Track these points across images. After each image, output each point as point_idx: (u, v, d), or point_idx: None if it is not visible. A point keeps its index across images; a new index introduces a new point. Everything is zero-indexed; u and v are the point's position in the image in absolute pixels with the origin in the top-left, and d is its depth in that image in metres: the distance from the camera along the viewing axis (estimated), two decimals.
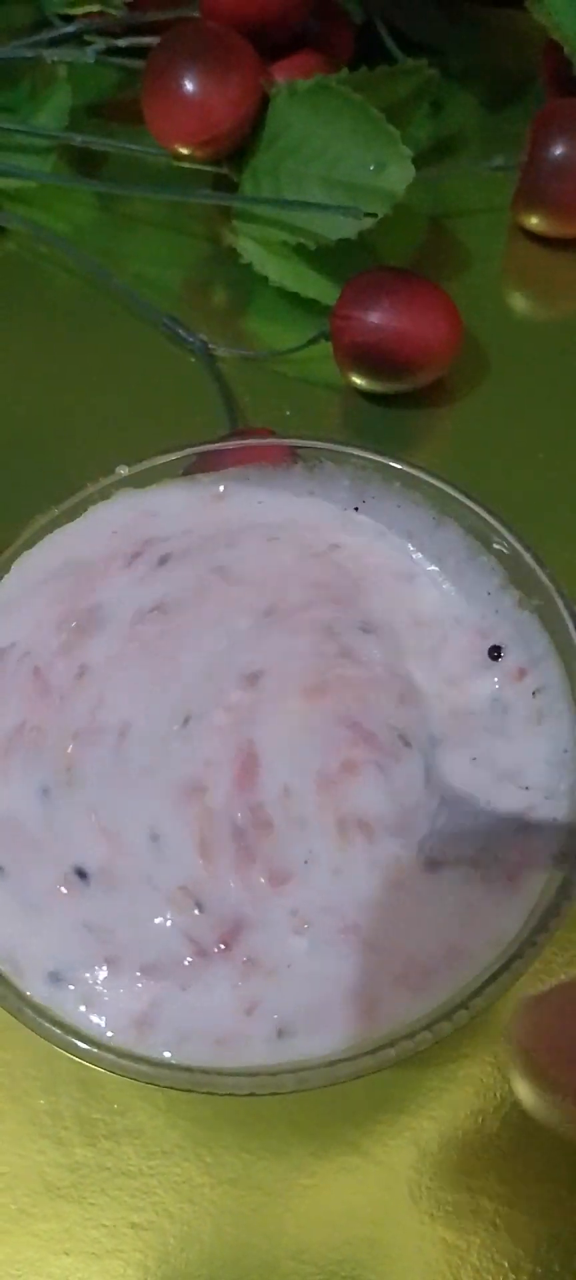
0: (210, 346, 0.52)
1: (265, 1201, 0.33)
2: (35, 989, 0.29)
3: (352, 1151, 0.34)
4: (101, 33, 0.58)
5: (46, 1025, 0.28)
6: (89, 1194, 0.33)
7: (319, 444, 0.37)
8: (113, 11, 0.57)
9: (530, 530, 0.36)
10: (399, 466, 0.36)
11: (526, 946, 0.28)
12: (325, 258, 0.52)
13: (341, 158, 0.49)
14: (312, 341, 0.50)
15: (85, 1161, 0.34)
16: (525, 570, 0.34)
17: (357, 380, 0.50)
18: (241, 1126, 0.34)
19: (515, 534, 0.35)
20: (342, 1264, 0.32)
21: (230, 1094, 0.27)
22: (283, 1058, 0.28)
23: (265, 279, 0.53)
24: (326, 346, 0.50)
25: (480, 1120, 0.34)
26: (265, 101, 0.52)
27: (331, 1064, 0.27)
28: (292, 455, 0.37)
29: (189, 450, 0.37)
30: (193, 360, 0.53)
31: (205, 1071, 0.27)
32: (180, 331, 0.53)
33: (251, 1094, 0.27)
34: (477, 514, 0.35)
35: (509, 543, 0.35)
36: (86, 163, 0.60)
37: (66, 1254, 0.32)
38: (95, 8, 0.58)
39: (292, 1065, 0.27)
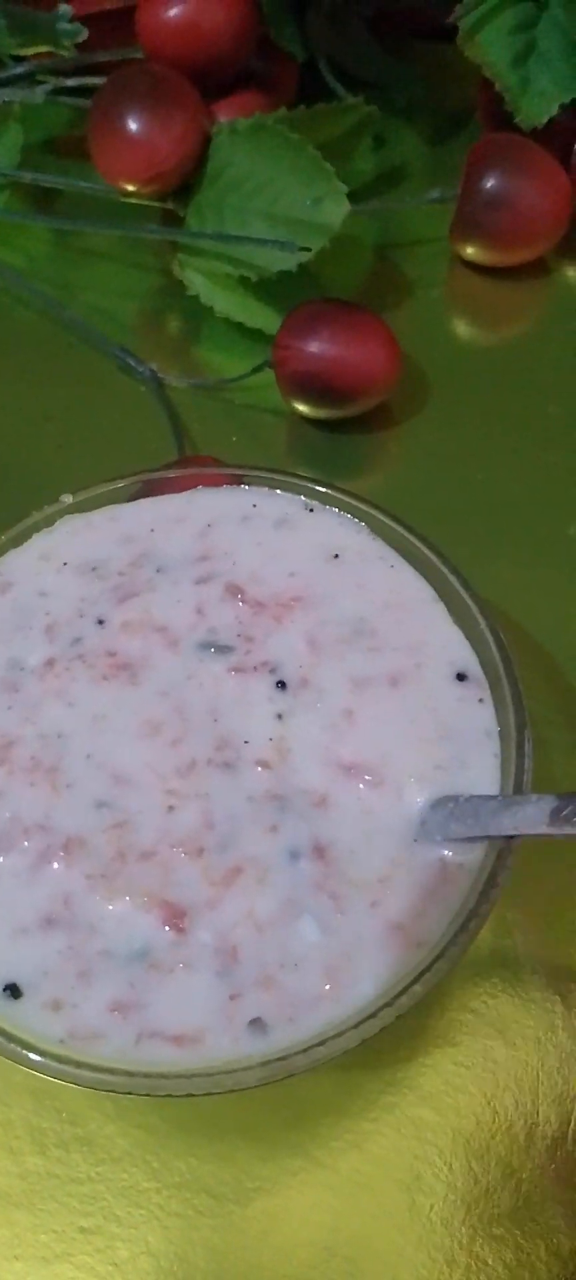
0: (160, 376, 0.54)
1: (211, 1205, 0.34)
2: None
3: (297, 1154, 0.34)
4: (52, 72, 0.59)
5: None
6: (39, 1201, 0.34)
7: (259, 473, 0.39)
8: (62, 53, 0.59)
9: (469, 547, 0.38)
10: (342, 495, 0.38)
11: (449, 946, 0.30)
12: (270, 288, 0.53)
13: (281, 193, 0.51)
14: (257, 370, 0.51)
15: (35, 1170, 0.34)
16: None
17: (301, 407, 0.51)
18: (189, 1132, 0.35)
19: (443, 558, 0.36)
20: (288, 1263, 0.33)
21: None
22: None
23: (212, 310, 0.55)
24: (271, 374, 0.51)
25: (419, 1123, 0.35)
26: (208, 140, 0.53)
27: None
28: (236, 480, 0.39)
29: (133, 478, 0.39)
30: (143, 389, 0.54)
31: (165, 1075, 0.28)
32: (131, 361, 0.54)
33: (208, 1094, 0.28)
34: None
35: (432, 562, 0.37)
36: (40, 198, 0.62)
37: (17, 1259, 0.33)
38: (45, 48, 0.59)
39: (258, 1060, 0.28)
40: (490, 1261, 0.33)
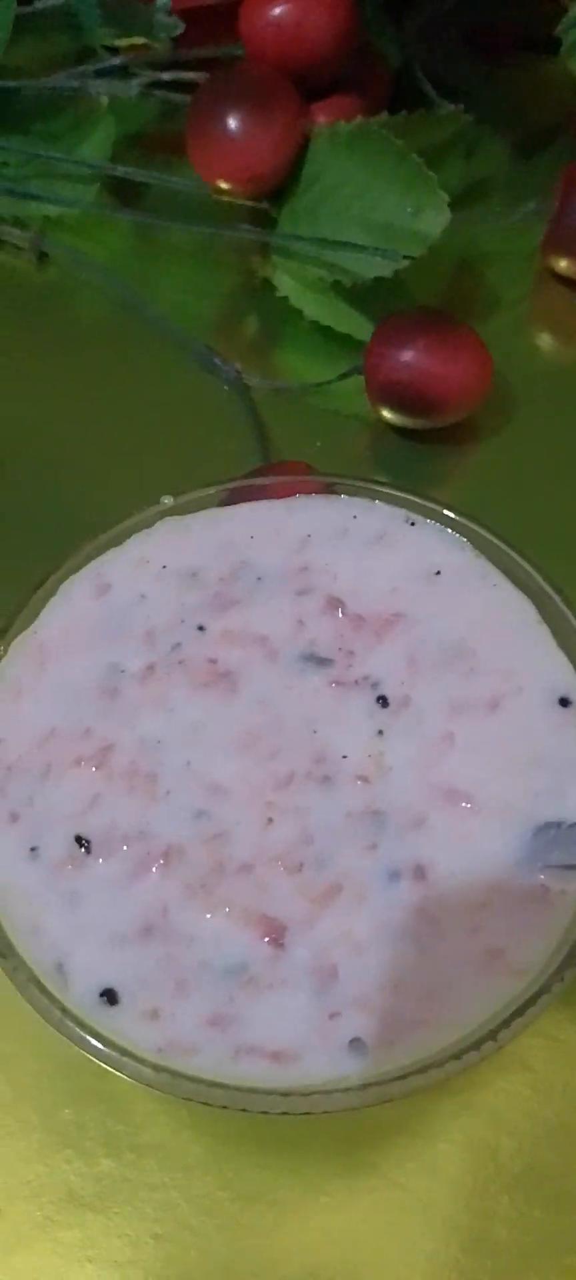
0: (244, 377, 0.53)
1: (283, 1219, 0.34)
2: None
3: (371, 1173, 0.34)
4: (146, 66, 0.59)
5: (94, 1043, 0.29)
6: (112, 1204, 0.34)
7: (359, 482, 0.38)
8: (158, 45, 0.58)
9: (558, 569, 0.37)
10: (444, 510, 0.38)
11: (553, 979, 0.29)
12: (359, 295, 0.53)
13: (380, 200, 0.51)
14: (345, 376, 0.51)
15: (109, 1173, 0.34)
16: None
17: (388, 415, 0.51)
18: (262, 1144, 0.35)
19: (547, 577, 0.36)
20: (359, 1275, 0.32)
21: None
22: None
23: (300, 313, 0.55)
24: (357, 381, 0.51)
25: (494, 1148, 0.34)
26: (306, 142, 0.53)
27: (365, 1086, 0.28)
28: (333, 489, 0.39)
29: (230, 483, 0.39)
30: (226, 390, 0.54)
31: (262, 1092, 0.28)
32: (215, 361, 0.54)
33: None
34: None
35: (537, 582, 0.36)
36: (126, 192, 0.62)
37: (89, 1261, 0.33)
38: (140, 41, 0.59)
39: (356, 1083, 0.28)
40: None
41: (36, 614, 0.36)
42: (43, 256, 0.60)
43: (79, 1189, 0.34)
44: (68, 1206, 0.34)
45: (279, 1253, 0.33)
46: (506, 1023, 0.29)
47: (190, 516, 0.39)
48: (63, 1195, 0.34)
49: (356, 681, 0.35)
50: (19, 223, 0.59)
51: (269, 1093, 0.28)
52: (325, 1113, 0.28)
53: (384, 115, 0.53)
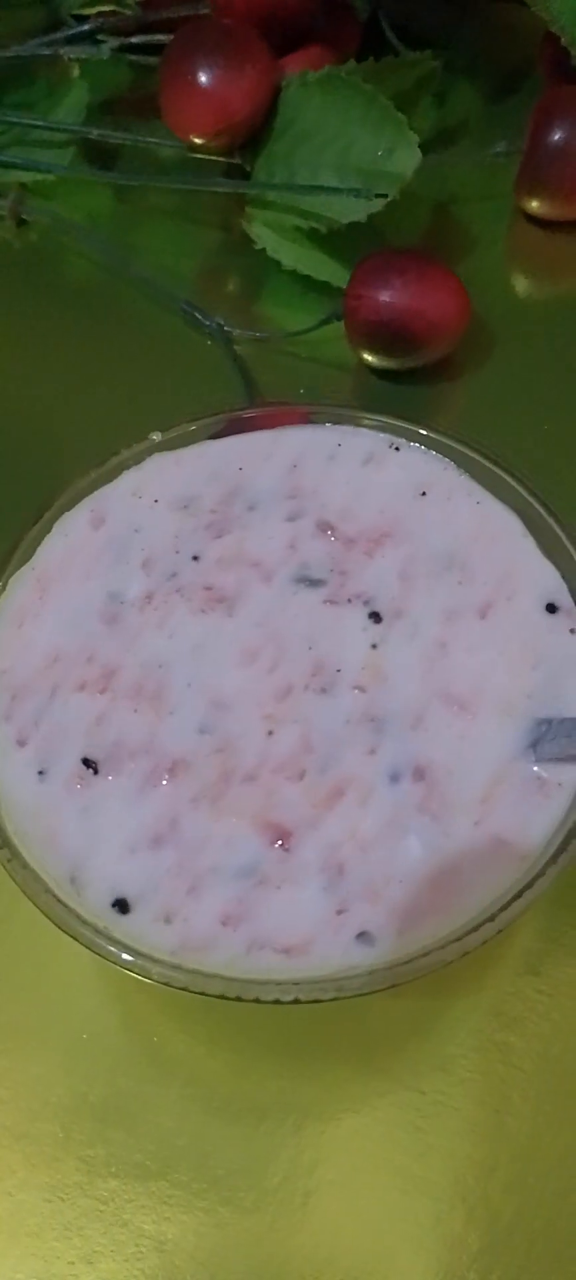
0: (226, 329, 0.54)
1: (302, 1124, 0.34)
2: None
3: (384, 1076, 0.35)
4: (115, 31, 0.60)
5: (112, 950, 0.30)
6: (133, 1120, 0.35)
7: (337, 409, 0.39)
8: (126, 10, 0.59)
9: (539, 486, 0.38)
10: (426, 432, 0.39)
11: (548, 864, 0.30)
12: (336, 241, 0.54)
13: (352, 144, 0.51)
14: (325, 322, 0.52)
15: (129, 1090, 0.35)
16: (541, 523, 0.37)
17: (369, 357, 0.52)
18: (278, 1055, 0.36)
19: (532, 491, 0.37)
20: (377, 1180, 0.33)
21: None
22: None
23: (278, 263, 0.56)
24: (338, 327, 0.52)
25: (504, 1048, 0.35)
26: (277, 93, 0.54)
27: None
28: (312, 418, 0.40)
29: (218, 417, 0.39)
30: (210, 343, 0.55)
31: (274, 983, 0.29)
32: (198, 315, 0.55)
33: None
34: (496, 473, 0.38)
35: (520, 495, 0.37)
36: (102, 155, 0.62)
37: (113, 1176, 0.34)
38: (108, 7, 0.60)
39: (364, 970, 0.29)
40: None
41: (33, 550, 0.37)
42: (22, 222, 0.60)
43: (100, 1107, 0.35)
44: (90, 1124, 0.35)
45: (300, 1157, 0.34)
46: (504, 906, 0.30)
47: (179, 450, 0.40)
48: (84, 1113, 0.35)
49: (349, 599, 0.36)
50: None
51: (280, 982, 0.29)
52: (334, 999, 0.29)
53: (352, 63, 0.53)
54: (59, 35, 0.59)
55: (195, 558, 0.37)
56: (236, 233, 0.58)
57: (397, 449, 0.39)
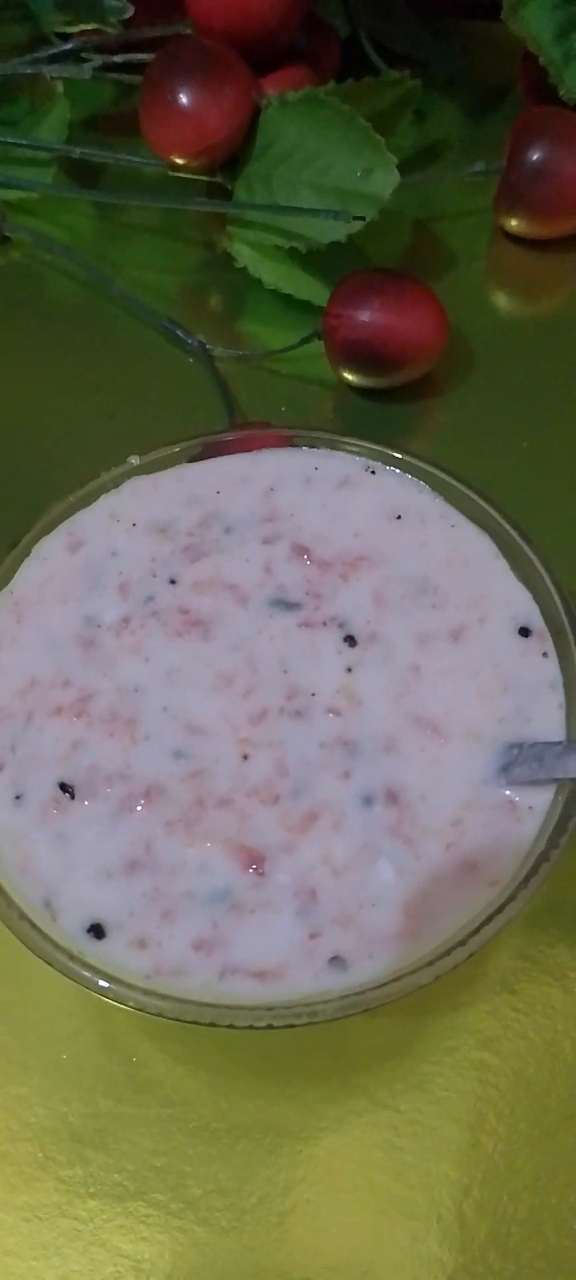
0: (208, 347, 0.54)
1: (280, 1143, 0.35)
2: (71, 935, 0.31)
3: (361, 1095, 0.35)
4: (98, 49, 0.60)
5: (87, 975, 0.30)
6: (112, 1141, 0.35)
7: (319, 434, 0.40)
8: (108, 29, 0.59)
9: (514, 509, 0.39)
10: (402, 456, 0.39)
11: (519, 888, 0.31)
12: (316, 261, 0.54)
13: (331, 165, 0.52)
14: (306, 341, 0.52)
15: (107, 1111, 0.35)
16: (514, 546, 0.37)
17: (349, 376, 0.52)
18: (257, 1075, 0.36)
19: (504, 514, 0.37)
20: (355, 1199, 0.34)
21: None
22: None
23: (259, 282, 0.56)
24: (318, 345, 0.52)
25: (479, 1066, 0.36)
26: (257, 113, 0.54)
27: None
28: (289, 442, 0.40)
29: (195, 440, 0.40)
30: (191, 361, 0.55)
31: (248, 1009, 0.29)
32: (179, 333, 0.55)
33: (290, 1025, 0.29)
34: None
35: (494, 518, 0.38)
36: (85, 174, 0.62)
37: (91, 1196, 0.34)
38: (91, 26, 0.60)
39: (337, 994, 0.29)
40: (554, 1201, 0.34)
41: (11, 575, 0.37)
42: (5, 240, 0.61)
43: (79, 1128, 0.35)
44: (68, 1145, 0.35)
45: (277, 1177, 0.34)
46: (476, 930, 0.30)
47: (157, 474, 0.40)
48: (63, 1135, 0.35)
49: (324, 622, 0.36)
50: None
51: (254, 1008, 0.29)
52: (308, 1024, 0.29)
53: (332, 84, 0.54)
54: (42, 54, 0.60)
55: (172, 581, 0.37)
56: (218, 251, 0.59)
57: (373, 472, 0.40)
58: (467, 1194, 0.34)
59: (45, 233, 0.60)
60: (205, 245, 0.61)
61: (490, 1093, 0.35)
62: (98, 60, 0.60)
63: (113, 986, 0.29)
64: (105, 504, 0.39)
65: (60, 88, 0.60)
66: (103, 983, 0.29)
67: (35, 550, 0.38)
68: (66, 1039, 0.37)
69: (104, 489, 0.39)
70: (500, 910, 0.30)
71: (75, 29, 0.60)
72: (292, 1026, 0.29)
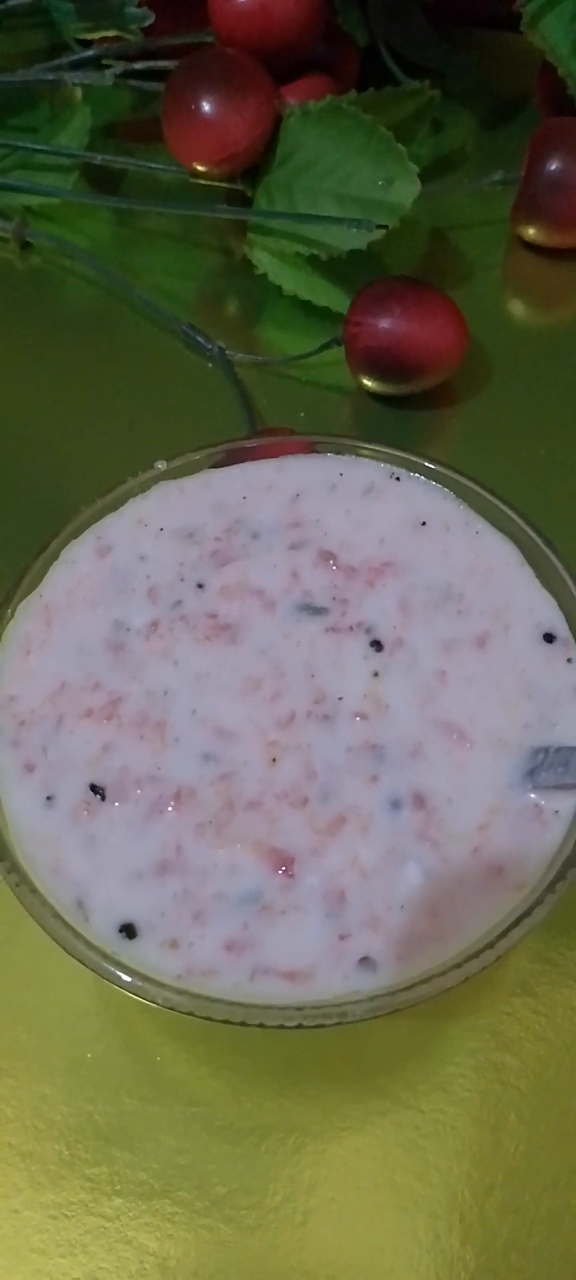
0: (228, 353, 0.55)
1: (303, 1144, 0.35)
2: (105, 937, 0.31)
3: (383, 1096, 0.36)
4: (118, 57, 0.61)
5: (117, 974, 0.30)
6: (136, 1140, 0.35)
7: (344, 440, 0.40)
8: (129, 37, 0.60)
9: (537, 516, 0.39)
10: (426, 463, 0.40)
11: (546, 892, 0.31)
12: (336, 268, 0.55)
13: (352, 174, 0.52)
14: (326, 347, 0.53)
15: (132, 1110, 0.36)
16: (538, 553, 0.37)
17: (368, 383, 0.53)
18: (279, 1075, 0.36)
19: (528, 522, 0.38)
20: (378, 1199, 0.34)
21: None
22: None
23: (279, 288, 0.56)
24: (338, 351, 0.53)
25: (500, 1068, 0.36)
26: (278, 122, 0.55)
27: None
28: (320, 450, 0.41)
29: (221, 447, 0.40)
30: (210, 366, 0.56)
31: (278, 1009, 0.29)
32: (199, 339, 0.55)
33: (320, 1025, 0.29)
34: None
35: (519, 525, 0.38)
36: (105, 180, 0.63)
37: (117, 1194, 0.35)
38: (112, 33, 0.60)
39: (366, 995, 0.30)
40: (574, 1201, 0.34)
41: (40, 578, 0.38)
42: (26, 245, 0.61)
43: (104, 1126, 0.36)
44: (94, 1144, 0.35)
45: (300, 1176, 0.35)
46: (504, 933, 0.30)
47: (184, 479, 0.40)
48: (89, 1133, 0.35)
49: (351, 628, 0.37)
50: (1, 214, 0.61)
51: (284, 1008, 0.29)
52: (337, 1024, 0.29)
53: (352, 93, 0.54)
54: (63, 61, 0.60)
55: (199, 586, 0.38)
56: (237, 257, 0.59)
57: (398, 479, 0.40)
58: (489, 1194, 0.34)
59: (65, 238, 0.61)
60: (224, 251, 0.61)
61: (511, 1094, 0.36)
62: (119, 67, 0.60)
63: (145, 986, 0.30)
64: (133, 509, 0.40)
65: (80, 95, 0.61)
66: (135, 982, 0.30)
67: (64, 555, 0.38)
68: (91, 1039, 0.37)
69: (131, 494, 0.40)
70: (528, 914, 0.31)
71: (96, 36, 0.61)
72: (323, 1027, 0.30)
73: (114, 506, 0.39)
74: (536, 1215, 0.34)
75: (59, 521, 0.39)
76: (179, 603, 0.37)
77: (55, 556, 0.38)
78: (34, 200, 0.60)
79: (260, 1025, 0.29)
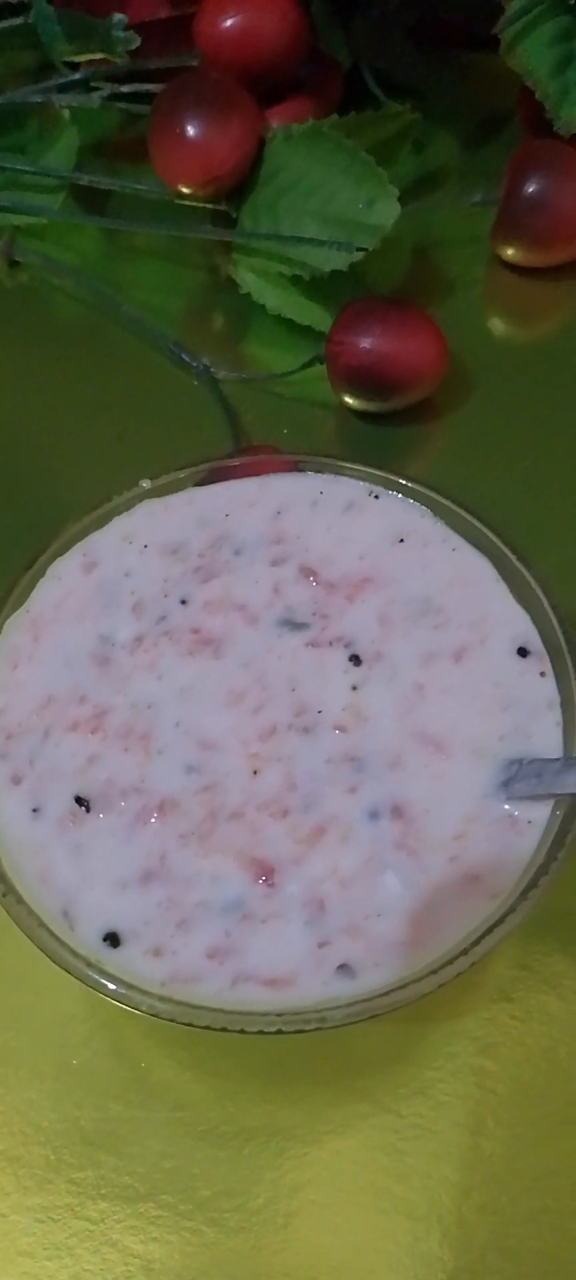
0: (212, 370, 0.56)
1: (286, 1147, 0.36)
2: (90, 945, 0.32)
3: (365, 1099, 0.37)
4: (105, 78, 0.61)
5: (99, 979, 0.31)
6: (122, 1144, 0.36)
7: (325, 459, 0.41)
8: (116, 59, 0.61)
9: (513, 532, 0.40)
10: (404, 481, 0.41)
11: (519, 900, 0.32)
12: (319, 286, 0.55)
13: (334, 195, 0.53)
14: (308, 365, 0.54)
15: (118, 1115, 0.37)
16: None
17: (350, 400, 0.54)
18: (262, 1080, 0.37)
19: (504, 538, 0.39)
20: (359, 1200, 0.35)
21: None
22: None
23: (262, 307, 0.57)
24: (320, 368, 0.54)
25: (479, 1072, 0.37)
26: (262, 144, 0.56)
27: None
28: (301, 467, 0.42)
29: (204, 465, 0.41)
30: (196, 383, 0.57)
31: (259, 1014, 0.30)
32: (184, 356, 0.56)
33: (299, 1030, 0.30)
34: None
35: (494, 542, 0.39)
36: (92, 198, 0.64)
37: (103, 1198, 0.35)
38: (98, 55, 0.61)
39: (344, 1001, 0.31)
40: (552, 1203, 0.35)
41: (28, 594, 0.39)
42: (14, 264, 0.62)
43: (90, 1131, 0.36)
44: (80, 1148, 0.36)
45: (283, 1179, 0.35)
46: (479, 940, 0.31)
47: (169, 496, 0.41)
48: (75, 1138, 0.36)
49: (331, 642, 0.37)
50: None
51: (265, 1014, 0.30)
52: (317, 1029, 0.30)
53: (335, 116, 0.55)
54: (51, 83, 0.61)
55: (183, 601, 0.38)
56: (222, 275, 0.60)
57: (377, 497, 0.41)
58: (468, 1196, 0.35)
59: (53, 256, 0.62)
60: (209, 270, 0.62)
61: (489, 1098, 0.37)
62: (106, 89, 0.61)
63: (129, 994, 0.31)
64: (118, 526, 0.40)
65: (67, 115, 0.62)
66: (119, 990, 0.31)
67: (50, 570, 0.39)
68: (78, 1045, 0.38)
69: (116, 511, 0.41)
70: (501, 921, 0.32)
71: (83, 58, 0.62)
72: (302, 1032, 0.30)
73: (100, 523, 0.40)
74: (514, 1216, 0.35)
75: (46, 535, 0.40)
76: (163, 618, 0.38)
77: (42, 572, 0.39)
78: (23, 219, 0.61)
79: (241, 1031, 0.30)
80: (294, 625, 0.38)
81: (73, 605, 0.38)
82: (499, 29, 0.57)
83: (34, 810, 0.34)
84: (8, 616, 0.38)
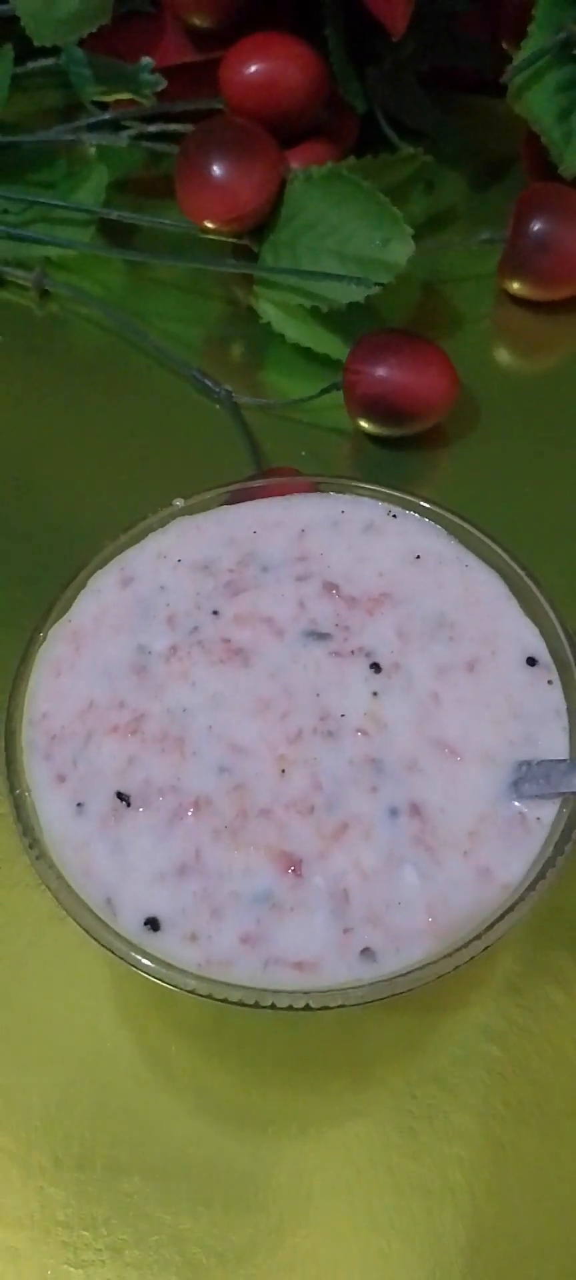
0: (234, 396, 0.59)
1: (306, 1130, 0.38)
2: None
3: (381, 1086, 0.39)
4: (133, 119, 0.65)
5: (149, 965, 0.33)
6: (153, 1125, 0.38)
7: (345, 480, 0.44)
8: (143, 101, 0.64)
9: (521, 550, 0.43)
10: (421, 502, 0.44)
11: (527, 891, 0.34)
12: (336, 318, 0.58)
13: (352, 234, 0.56)
14: (326, 391, 0.57)
15: (148, 1098, 0.39)
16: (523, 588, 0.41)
17: (366, 425, 0.56)
18: (284, 1067, 0.39)
19: (514, 557, 0.41)
20: (375, 1179, 0.37)
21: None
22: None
23: (282, 337, 0.60)
24: (337, 395, 0.57)
25: (488, 1059, 0.39)
26: (283, 185, 0.59)
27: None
28: (318, 488, 0.44)
29: (234, 485, 0.44)
30: (218, 408, 0.59)
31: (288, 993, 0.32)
32: (208, 383, 0.59)
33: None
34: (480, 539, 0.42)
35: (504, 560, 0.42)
36: (118, 232, 0.67)
37: (136, 1174, 0.37)
38: (126, 97, 0.64)
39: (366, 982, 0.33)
40: (556, 1184, 0.37)
41: (69, 605, 0.41)
42: (44, 294, 0.65)
43: (122, 1113, 0.38)
44: (113, 1127, 0.38)
45: (303, 1161, 0.37)
46: (490, 927, 0.34)
47: (200, 515, 0.44)
48: (108, 1118, 0.38)
49: (352, 652, 0.40)
50: (21, 264, 0.64)
51: (293, 992, 0.33)
52: (341, 1006, 0.33)
53: (352, 159, 0.58)
54: (81, 122, 0.64)
55: (215, 614, 0.41)
56: (243, 306, 0.63)
57: (395, 516, 0.44)
58: (478, 1174, 0.37)
59: (82, 287, 0.65)
60: (230, 301, 0.65)
61: (498, 1083, 0.39)
62: (133, 128, 0.64)
63: (169, 973, 0.33)
64: (153, 543, 0.43)
65: (94, 153, 0.65)
66: (162, 969, 0.33)
67: (90, 584, 0.42)
68: (110, 1033, 0.40)
69: (151, 529, 0.43)
70: (511, 909, 0.34)
71: (111, 99, 0.65)
72: (327, 1009, 0.33)
73: (135, 540, 0.43)
74: (521, 1195, 0.37)
75: (80, 552, 0.43)
76: (196, 629, 0.41)
77: (82, 586, 0.42)
78: (52, 251, 0.64)
79: (272, 1006, 0.33)
80: (318, 636, 0.40)
81: (111, 618, 0.41)
82: (506, 77, 0.60)
83: (78, 805, 0.36)
84: (51, 626, 0.40)
